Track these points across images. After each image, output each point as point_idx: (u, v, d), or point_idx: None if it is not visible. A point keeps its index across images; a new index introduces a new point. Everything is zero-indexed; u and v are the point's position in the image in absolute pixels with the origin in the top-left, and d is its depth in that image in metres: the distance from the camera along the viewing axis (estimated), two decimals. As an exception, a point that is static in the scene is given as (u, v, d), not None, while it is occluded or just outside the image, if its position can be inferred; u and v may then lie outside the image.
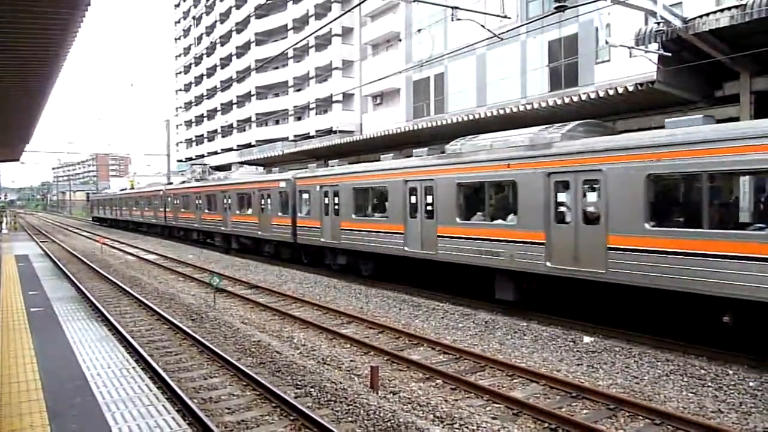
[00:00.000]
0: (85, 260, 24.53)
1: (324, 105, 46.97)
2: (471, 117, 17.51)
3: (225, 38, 64.59)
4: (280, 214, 21.88)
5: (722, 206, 9.75)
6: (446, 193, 14.04)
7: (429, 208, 14.60)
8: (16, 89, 12.16)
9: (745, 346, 9.27)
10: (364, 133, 35.45)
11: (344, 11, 39.60)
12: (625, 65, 20.21)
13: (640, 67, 16.60)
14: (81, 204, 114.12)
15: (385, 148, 22.26)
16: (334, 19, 19.10)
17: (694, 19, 10.96)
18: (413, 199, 15.14)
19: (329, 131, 45.38)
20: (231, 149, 59.76)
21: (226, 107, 63.69)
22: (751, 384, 8.09)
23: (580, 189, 10.97)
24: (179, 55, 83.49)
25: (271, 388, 7.97)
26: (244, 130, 58.26)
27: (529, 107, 15.38)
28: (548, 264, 11.50)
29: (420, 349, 10.55)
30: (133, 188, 54.35)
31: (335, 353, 10.17)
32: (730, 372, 8.53)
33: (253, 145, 54.60)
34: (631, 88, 12.63)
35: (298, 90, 52.44)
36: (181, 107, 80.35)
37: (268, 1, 52.43)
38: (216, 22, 67.48)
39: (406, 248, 15.40)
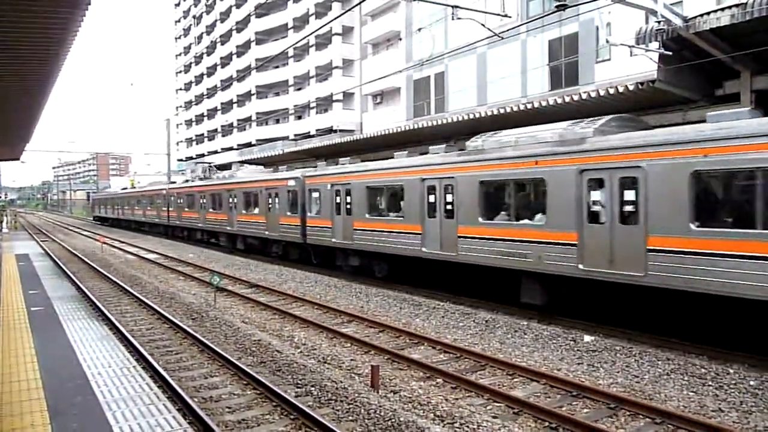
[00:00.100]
0: (85, 259, 24.55)
1: (324, 104, 46.95)
2: (471, 116, 17.49)
3: (225, 37, 64.58)
4: (288, 213, 21.42)
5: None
6: (467, 191, 13.45)
7: (449, 207, 14.05)
8: (17, 88, 12.15)
9: (746, 345, 9.27)
10: (364, 132, 35.43)
11: (345, 10, 39.55)
12: (626, 64, 20.19)
13: (641, 66, 16.58)
14: (81, 203, 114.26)
15: (385, 147, 22.27)
16: (335, 18, 19.04)
17: (695, 17, 10.95)
18: (431, 198, 14.59)
19: (329, 130, 45.36)
20: (231, 148, 59.75)
21: (227, 106, 63.68)
22: (751, 383, 8.09)
23: (616, 187, 10.35)
24: (179, 54, 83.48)
25: (272, 387, 7.97)
26: (245, 129, 58.26)
27: (529, 106, 15.36)
28: (580, 266, 10.89)
29: (420, 348, 10.55)
30: (133, 187, 54.31)
31: (336, 352, 10.17)
32: (731, 371, 8.53)
33: (254, 144, 54.59)
34: (631, 87, 12.61)
35: (299, 89, 52.42)
36: (181, 106, 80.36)
37: (269, 0, 52.38)
38: (216, 21, 67.47)
39: (423, 249, 14.82)
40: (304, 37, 17.90)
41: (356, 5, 22.38)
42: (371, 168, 17.34)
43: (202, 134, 72.27)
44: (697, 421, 6.79)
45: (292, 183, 21.31)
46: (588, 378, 8.58)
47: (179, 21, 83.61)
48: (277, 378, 8.77)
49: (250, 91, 57.89)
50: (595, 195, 10.79)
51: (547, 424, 7.07)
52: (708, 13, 10.75)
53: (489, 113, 16.75)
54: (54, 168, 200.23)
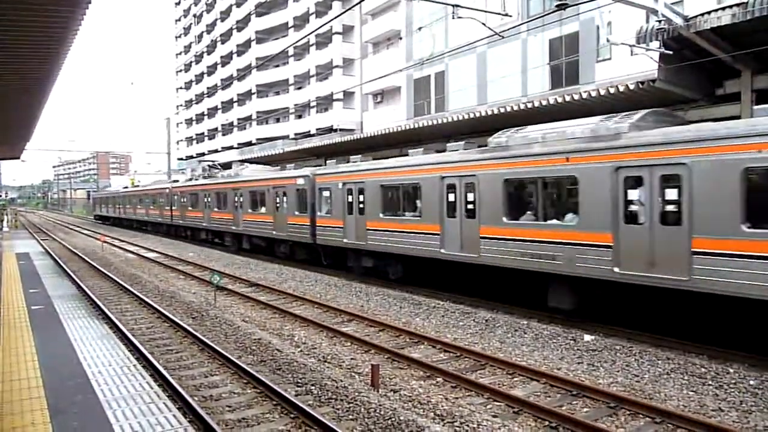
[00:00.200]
0: (85, 258, 24.55)
1: (325, 103, 46.91)
2: (472, 115, 17.48)
3: (225, 36, 64.56)
4: (297, 212, 20.82)
5: None
6: (491, 189, 12.80)
7: (470, 206, 13.40)
8: (17, 87, 12.15)
9: (746, 344, 9.27)
10: (364, 131, 35.42)
11: (345, 9, 39.54)
12: (626, 63, 20.18)
13: (641, 66, 16.58)
14: (82, 202, 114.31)
15: (386, 146, 22.27)
16: (335, 17, 18.99)
17: (696, 17, 10.94)
18: (451, 197, 13.93)
19: (330, 129, 45.34)
20: (231, 147, 59.75)
21: (227, 105, 63.67)
22: (751, 382, 8.09)
23: (656, 185, 9.74)
24: (180, 53, 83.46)
25: (272, 386, 7.98)
26: (245, 128, 58.24)
27: (530, 105, 15.35)
28: (616, 269, 10.27)
29: (420, 348, 10.55)
30: (135, 186, 54.11)
31: (336, 351, 10.17)
32: (731, 370, 8.53)
33: (254, 143, 54.60)
34: (632, 87, 12.61)
35: (299, 88, 52.40)
36: (181, 105, 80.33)
37: (269, -1, 52.42)
38: (216, 20, 67.43)
39: (442, 250, 14.17)
40: (305, 36, 17.90)
41: (356, 4, 22.36)
42: (386, 166, 16.70)
43: (203, 133, 72.26)
44: (697, 421, 6.80)
45: (301, 181, 20.68)
46: (588, 377, 8.59)
47: (179, 20, 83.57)
48: (277, 377, 8.78)
49: (250, 90, 57.88)
50: (633, 194, 10.19)
51: (547, 423, 7.08)
52: (709, 13, 10.75)
53: (489, 112, 16.74)
54: (54, 167, 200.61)
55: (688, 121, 11.48)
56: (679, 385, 8.17)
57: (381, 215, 16.47)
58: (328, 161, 21.16)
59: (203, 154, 67.13)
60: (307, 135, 47.99)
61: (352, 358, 9.73)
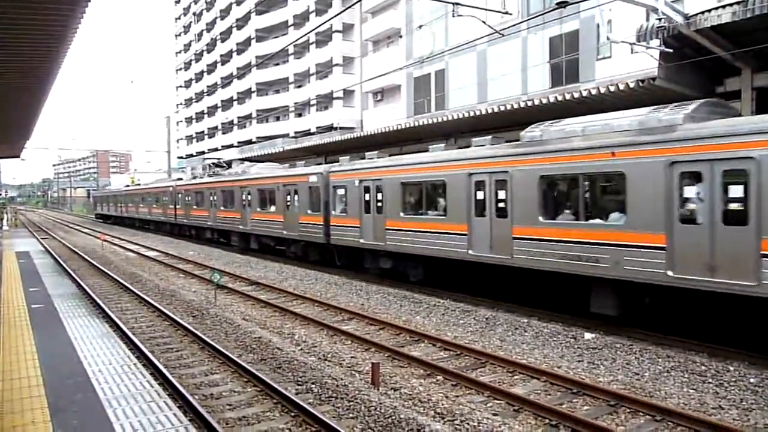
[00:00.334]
0: (85, 257, 24.55)
1: (324, 101, 46.89)
2: (472, 113, 17.48)
3: (225, 35, 64.50)
4: (309, 211, 19.97)
5: None
6: (525, 187, 12.01)
7: (501, 205, 12.63)
8: (17, 85, 12.16)
9: (746, 342, 9.27)
10: (365, 129, 35.42)
11: (345, 8, 39.52)
12: (627, 62, 20.17)
13: (642, 64, 16.56)
14: (82, 201, 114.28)
15: (386, 145, 22.26)
16: (335, 16, 19.06)
17: (696, 15, 10.94)
18: (480, 195, 13.13)
19: (330, 128, 45.33)
20: (231, 146, 59.75)
21: (227, 104, 63.64)
22: (752, 380, 8.09)
23: (718, 181, 8.95)
24: (179, 52, 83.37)
25: (272, 384, 7.99)
26: (245, 127, 58.20)
27: (530, 104, 15.36)
28: (669, 273, 9.46)
29: (421, 346, 10.56)
30: (137, 185, 53.90)
31: (336, 350, 10.18)
32: (731, 368, 8.53)
33: (254, 142, 54.58)
34: (632, 85, 12.62)
35: (299, 86, 52.37)
36: (181, 104, 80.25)
37: (269, -2, 52.37)
38: (216, 18, 67.37)
39: (470, 252, 13.37)
40: (305, 35, 17.89)
41: (356, 2, 22.32)
42: (407, 162, 15.88)
43: (203, 131, 72.23)
44: (697, 419, 6.80)
45: (314, 179, 19.81)
46: (588, 375, 8.59)
47: (179, 18, 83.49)
48: (277, 375, 8.78)
49: (250, 88, 57.84)
50: (690, 191, 9.40)
51: (547, 421, 7.08)
52: (709, 11, 10.75)
53: (490, 111, 16.74)
54: (54, 165, 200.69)
55: (739, 114, 10.82)
56: (680, 383, 8.17)
57: (401, 214, 15.71)
58: (340, 158, 20.36)
59: (203, 153, 67.12)
60: (307, 133, 47.98)
61: (352, 357, 9.73)
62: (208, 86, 68.70)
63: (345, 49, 46.31)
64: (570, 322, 11.45)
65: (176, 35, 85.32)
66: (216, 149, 63.97)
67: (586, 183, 11.27)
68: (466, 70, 29.50)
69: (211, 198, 29.23)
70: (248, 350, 10.22)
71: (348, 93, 45.15)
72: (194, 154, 72.16)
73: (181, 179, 40.30)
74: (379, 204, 16.52)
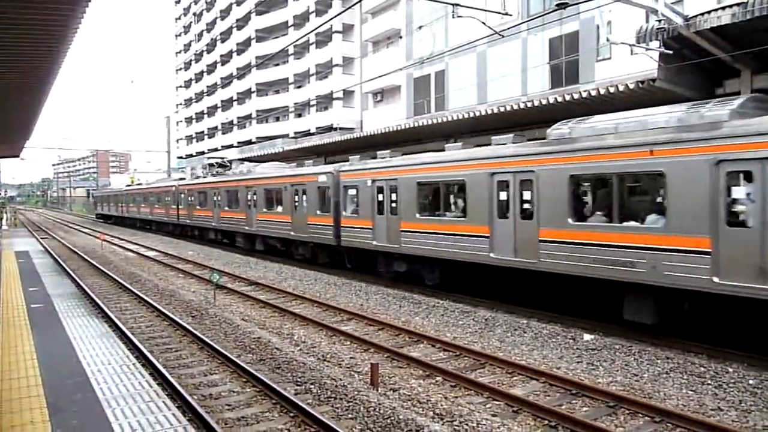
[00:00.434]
0: (85, 257, 24.55)
1: (324, 102, 46.90)
2: (472, 114, 17.50)
3: (225, 35, 64.51)
4: (318, 212, 19.41)
5: None
6: (553, 187, 11.39)
7: (526, 206, 12.08)
8: (17, 85, 12.15)
9: (745, 344, 9.27)
10: (364, 130, 35.43)
11: (345, 8, 39.52)
12: (626, 63, 20.20)
13: (641, 65, 16.59)
14: (81, 200, 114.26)
15: (386, 145, 22.25)
16: (335, 16, 19.08)
17: (696, 16, 10.96)
18: (503, 195, 12.57)
19: (330, 128, 45.33)
20: (231, 146, 59.72)
21: (227, 104, 63.65)
22: (750, 382, 8.10)
23: None
24: (179, 52, 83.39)
25: (271, 384, 7.99)
26: (245, 127, 58.21)
27: (530, 104, 15.37)
28: (715, 279, 8.83)
29: (420, 347, 10.56)
30: (138, 184, 53.78)
31: (335, 350, 10.18)
32: (730, 370, 8.54)
33: (254, 142, 54.57)
34: (632, 86, 12.63)
35: (299, 87, 52.38)
36: (181, 104, 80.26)
37: (269, -2, 52.40)
38: (216, 18, 67.39)
39: (492, 255, 12.79)
40: (305, 35, 17.93)
41: (356, 3, 22.32)
42: (423, 161, 15.27)
43: (202, 132, 72.24)
44: (696, 420, 6.80)
45: (323, 179, 19.25)
46: (587, 376, 8.59)
47: (179, 18, 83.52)
48: (276, 375, 8.78)
49: (250, 88, 57.85)
50: (738, 191, 8.76)
51: (546, 422, 7.08)
52: (709, 12, 10.76)
53: (489, 111, 16.75)
54: (54, 165, 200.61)
55: None
56: (679, 384, 8.18)
57: (417, 215, 15.10)
58: (350, 157, 19.90)
59: (203, 153, 67.12)
60: (306, 134, 47.99)
61: (351, 357, 9.73)
62: (208, 86, 68.70)
63: (345, 49, 46.33)
64: (569, 323, 11.45)
65: (176, 35, 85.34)
66: (216, 149, 63.89)
67: (621, 183, 10.62)
68: (466, 71, 29.52)
69: (215, 198, 28.66)
70: (247, 350, 10.22)
71: (348, 93, 45.17)
72: (194, 154, 72.16)
73: (183, 179, 39.83)
74: (394, 205, 15.98)
